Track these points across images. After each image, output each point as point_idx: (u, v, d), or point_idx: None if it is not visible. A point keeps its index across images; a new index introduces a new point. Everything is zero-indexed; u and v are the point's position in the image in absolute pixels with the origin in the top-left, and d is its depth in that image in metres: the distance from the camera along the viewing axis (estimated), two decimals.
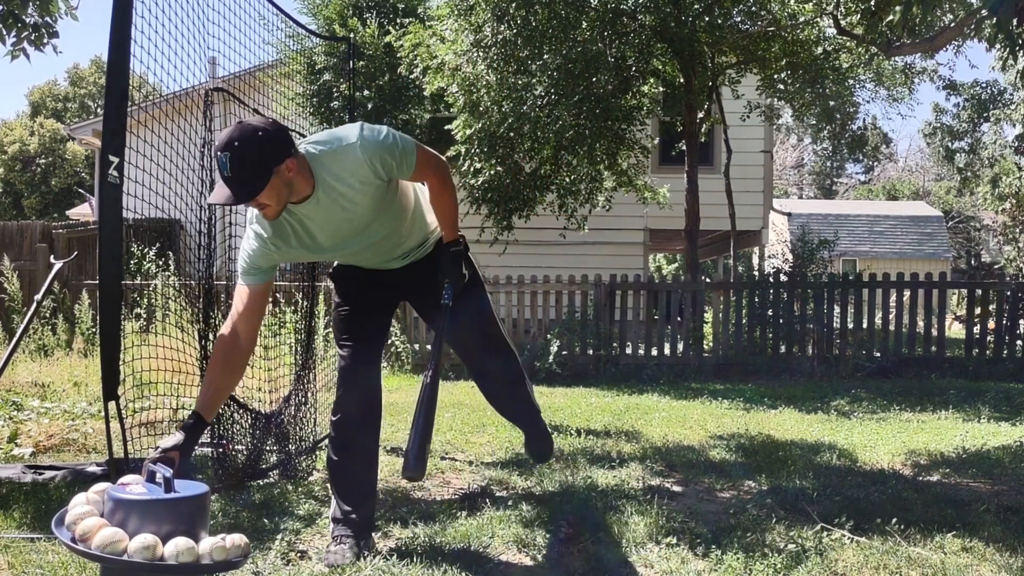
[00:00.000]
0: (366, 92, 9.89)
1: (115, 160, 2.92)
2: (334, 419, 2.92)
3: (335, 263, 3.02)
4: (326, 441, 3.28)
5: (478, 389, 3.28)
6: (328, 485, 3.19)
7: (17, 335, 4.60)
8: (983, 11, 4.77)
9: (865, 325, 8.81)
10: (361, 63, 9.80)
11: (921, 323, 8.90)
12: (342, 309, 2.94)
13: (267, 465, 3.87)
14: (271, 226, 2.58)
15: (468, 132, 8.47)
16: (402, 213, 2.78)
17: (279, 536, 2.94)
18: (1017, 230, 18.86)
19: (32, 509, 3.28)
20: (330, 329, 7.50)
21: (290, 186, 2.45)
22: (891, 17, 4.89)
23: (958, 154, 25.97)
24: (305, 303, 4.57)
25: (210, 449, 3.67)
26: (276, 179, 2.39)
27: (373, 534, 2.93)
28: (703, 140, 11.18)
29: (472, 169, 8.71)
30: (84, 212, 19.58)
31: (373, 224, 2.69)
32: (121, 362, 3.02)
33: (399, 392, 7.23)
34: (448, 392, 7.33)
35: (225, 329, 2.59)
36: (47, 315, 8.25)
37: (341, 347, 2.92)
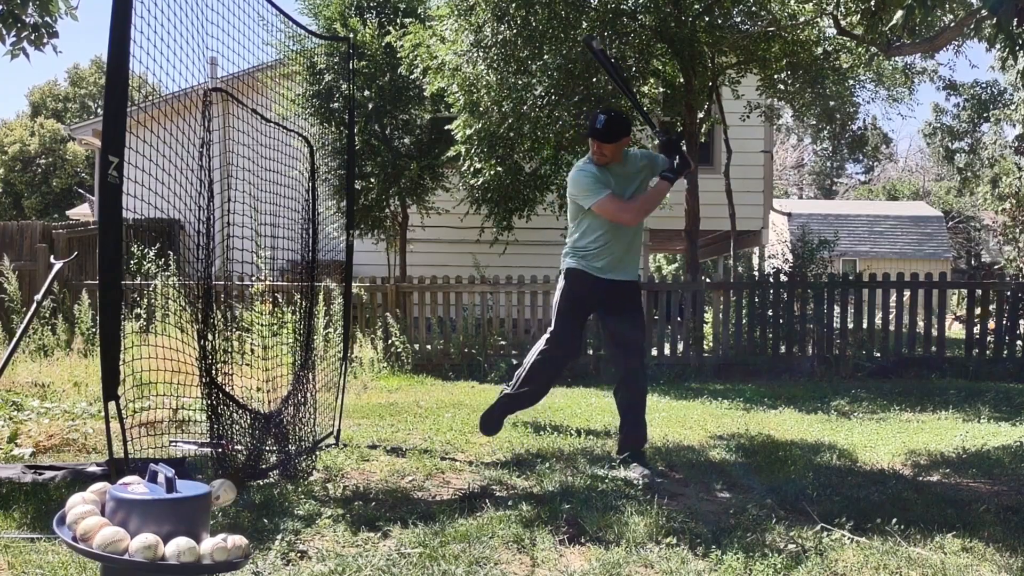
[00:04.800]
0: (366, 92, 9.88)
1: (115, 160, 2.92)
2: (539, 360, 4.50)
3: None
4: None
5: (619, 377, 4.28)
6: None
7: (17, 335, 4.61)
8: (983, 11, 4.77)
9: (865, 325, 8.80)
10: (361, 63, 9.80)
11: (921, 323, 8.89)
12: (567, 305, 4.34)
13: (267, 465, 3.88)
14: (598, 169, 4.14)
15: (468, 132, 8.46)
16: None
17: (279, 536, 2.94)
18: (1017, 230, 18.83)
19: (32, 509, 3.28)
20: (329, 329, 7.54)
21: (616, 153, 4.12)
22: (893, 22, 4.89)
23: (958, 154, 25.91)
24: (305, 303, 4.57)
25: (210, 449, 3.67)
26: (618, 144, 4.09)
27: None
28: (703, 140, 11.18)
29: (472, 169, 8.71)
30: (84, 212, 19.59)
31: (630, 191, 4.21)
32: (121, 362, 3.02)
33: (399, 392, 7.24)
34: (448, 392, 7.33)
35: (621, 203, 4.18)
36: (47, 315, 8.24)
37: (560, 324, 4.39)
